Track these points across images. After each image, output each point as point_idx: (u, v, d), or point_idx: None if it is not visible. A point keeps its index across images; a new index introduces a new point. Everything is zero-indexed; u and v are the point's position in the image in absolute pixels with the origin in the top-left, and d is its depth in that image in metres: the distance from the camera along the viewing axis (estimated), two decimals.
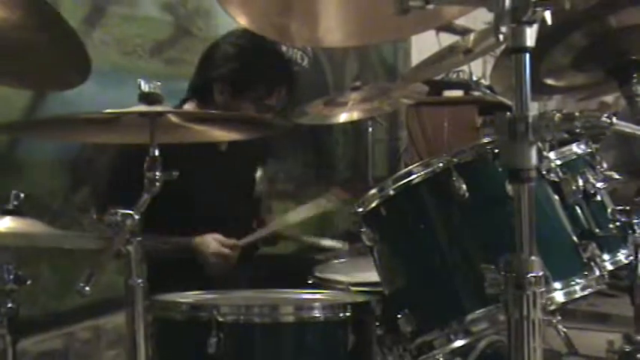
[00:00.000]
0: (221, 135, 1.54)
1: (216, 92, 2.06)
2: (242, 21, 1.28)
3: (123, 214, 1.16)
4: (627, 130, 1.02)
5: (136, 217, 1.15)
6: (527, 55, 0.97)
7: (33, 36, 1.26)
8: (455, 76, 3.77)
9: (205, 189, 2.05)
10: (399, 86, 2.82)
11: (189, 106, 2.12)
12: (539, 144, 1.29)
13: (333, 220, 3.67)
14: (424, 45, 3.44)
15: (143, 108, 1.29)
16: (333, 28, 1.32)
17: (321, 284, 1.83)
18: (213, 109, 2.06)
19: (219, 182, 2.12)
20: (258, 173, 2.32)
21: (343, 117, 2.68)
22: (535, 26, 0.97)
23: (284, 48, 3.29)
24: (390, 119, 3.99)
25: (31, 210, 1.49)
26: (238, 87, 2.03)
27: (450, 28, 3.57)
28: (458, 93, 3.81)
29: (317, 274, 1.91)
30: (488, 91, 2.87)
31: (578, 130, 0.97)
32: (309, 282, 1.87)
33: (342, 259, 2.15)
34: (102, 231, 1.16)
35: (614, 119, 0.97)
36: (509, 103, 1.01)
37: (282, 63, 2.14)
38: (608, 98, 2.95)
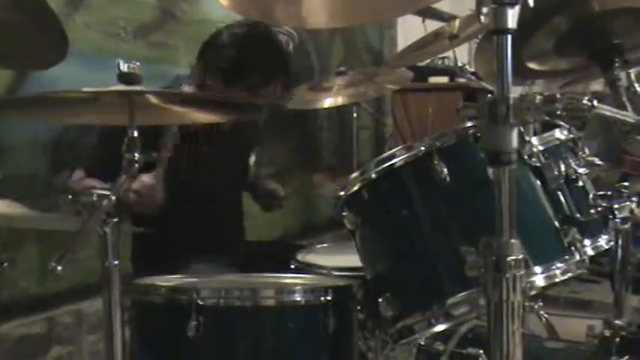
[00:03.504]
0: (202, 117, 1.52)
1: (208, 79, 2.02)
2: (225, 2, 1.26)
3: (99, 194, 1.14)
4: (608, 113, 1.01)
5: (113, 197, 1.14)
6: (509, 37, 0.97)
7: (8, 14, 1.24)
8: (440, 62, 3.76)
9: (203, 167, 2.06)
10: (384, 72, 2.81)
11: (186, 89, 2.10)
12: (521, 128, 1.29)
13: (318, 206, 3.66)
14: (410, 31, 3.44)
15: (122, 87, 1.27)
16: (317, 9, 1.30)
17: (303, 269, 1.83)
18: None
19: (216, 162, 2.12)
20: (252, 159, 2.32)
21: (328, 102, 2.68)
22: (517, 7, 0.96)
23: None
24: (375, 106, 3.98)
25: (12, 193, 1.47)
26: (231, 75, 1.98)
27: (436, 15, 3.57)
28: (443, 79, 3.81)
29: (299, 258, 1.90)
30: (473, 78, 2.87)
31: (559, 113, 0.96)
32: (292, 266, 1.86)
33: (325, 244, 2.14)
34: (78, 211, 1.15)
35: (595, 102, 0.97)
36: (493, 89, 1.01)
37: (280, 55, 2.06)
38: (599, 87, 2.94)
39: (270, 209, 2.35)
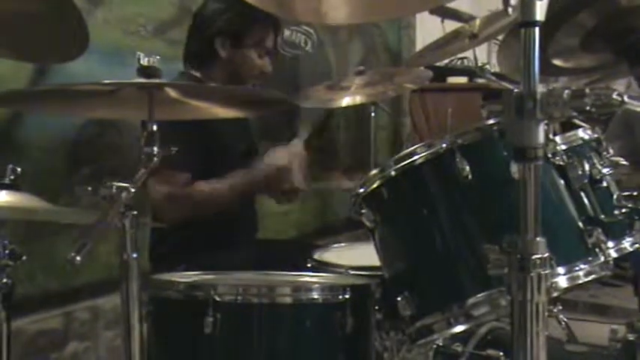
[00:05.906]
0: (221, 112, 1.51)
1: (218, 47, 2.10)
2: None
3: (118, 186, 1.14)
4: (638, 109, 0.99)
5: (132, 190, 1.13)
6: (537, 30, 0.95)
7: (30, 6, 1.24)
8: (459, 62, 3.74)
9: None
10: (402, 71, 2.79)
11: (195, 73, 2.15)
12: (545, 126, 1.27)
13: (335, 206, 3.65)
14: (428, 31, 3.42)
15: (142, 80, 1.26)
16: (338, 4, 1.29)
17: (321, 267, 1.81)
18: (219, 67, 2.11)
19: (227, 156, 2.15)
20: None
21: (346, 101, 2.66)
22: (545, 0, 0.94)
23: (287, 32, 3.29)
24: (393, 106, 3.96)
25: (32, 188, 1.47)
26: (238, 36, 2.09)
27: (455, 15, 3.55)
28: (462, 80, 3.79)
29: (316, 257, 1.88)
30: (493, 78, 2.84)
31: (587, 108, 0.94)
32: (309, 265, 1.85)
33: (342, 245, 2.13)
34: (96, 203, 1.14)
35: (625, 97, 0.94)
36: (514, 89, 0.99)
37: None
38: (620, 88, 2.91)
39: (282, 202, 2.33)
